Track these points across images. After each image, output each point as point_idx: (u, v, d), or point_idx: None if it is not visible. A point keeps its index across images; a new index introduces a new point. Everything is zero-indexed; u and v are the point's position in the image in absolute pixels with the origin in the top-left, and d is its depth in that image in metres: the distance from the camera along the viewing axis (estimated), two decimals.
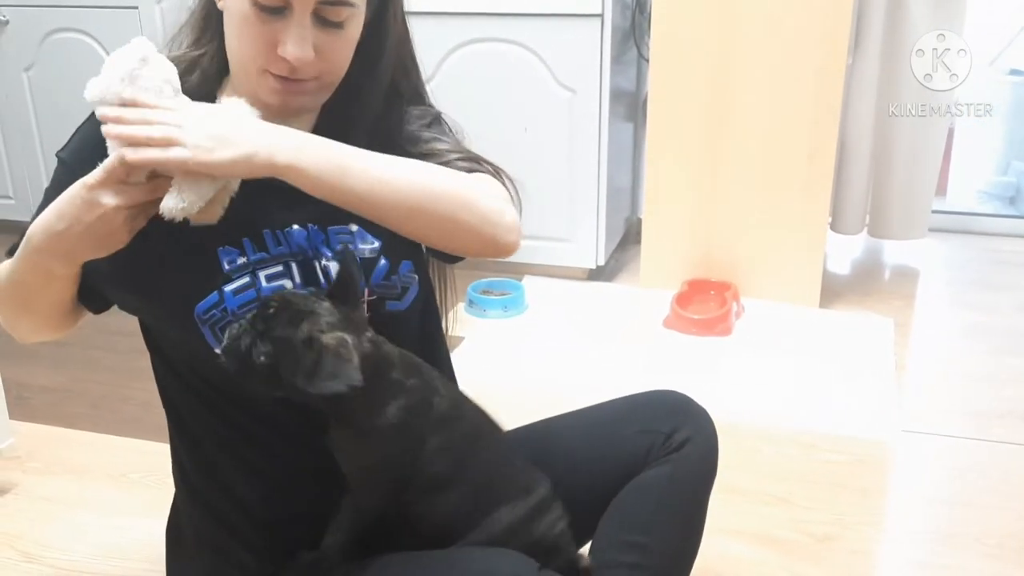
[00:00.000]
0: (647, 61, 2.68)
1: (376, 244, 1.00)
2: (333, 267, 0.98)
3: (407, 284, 1.02)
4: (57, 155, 1.01)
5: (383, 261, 1.00)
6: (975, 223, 3.28)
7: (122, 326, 1.10)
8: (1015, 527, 1.61)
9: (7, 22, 2.96)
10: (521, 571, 0.89)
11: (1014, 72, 3.72)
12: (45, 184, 3.00)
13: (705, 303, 2.47)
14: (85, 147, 0.95)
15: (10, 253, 0.97)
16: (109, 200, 0.83)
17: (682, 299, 2.46)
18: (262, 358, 0.87)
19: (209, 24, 0.99)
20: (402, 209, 0.90)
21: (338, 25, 0.92)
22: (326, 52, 0.93)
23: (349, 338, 0.87)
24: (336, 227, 0.99)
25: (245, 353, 0.88)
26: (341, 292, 0.93)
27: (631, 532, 1.03)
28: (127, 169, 0.83)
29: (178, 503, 1.13)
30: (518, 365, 2.21)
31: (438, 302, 1.15)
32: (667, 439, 1.05)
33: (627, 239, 3.02)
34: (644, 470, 1.04)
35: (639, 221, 2.85)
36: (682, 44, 2.46)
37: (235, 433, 1.02)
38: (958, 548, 1.56)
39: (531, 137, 2.61)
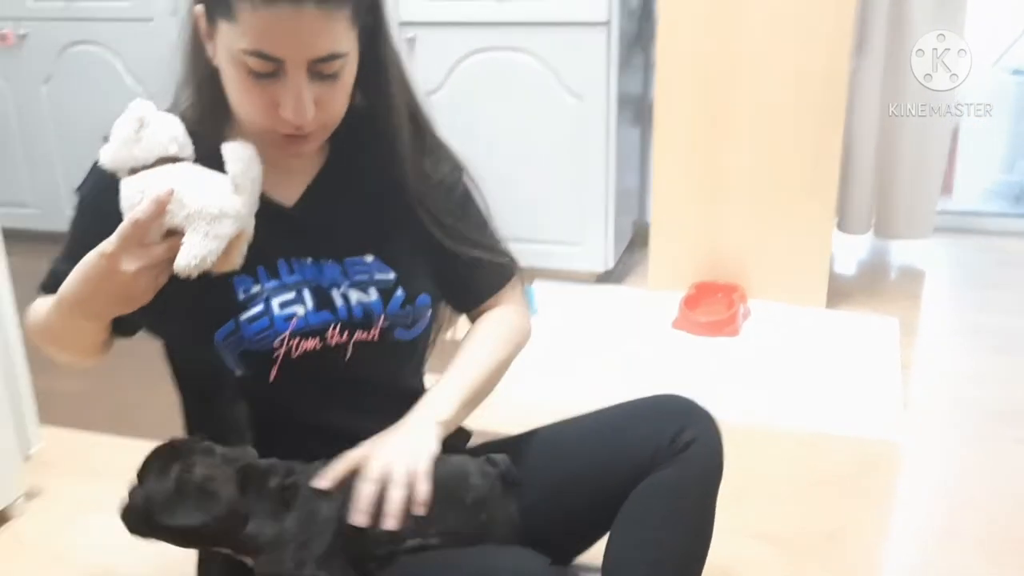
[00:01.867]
0: (653, 66, 2.72)
1: (392, 276, 1.05)
2: (352, 293, 1.02)
3: (419, 316, 1.07)
4: (76, 192, 1.04)
5: (400, 292, 1.05)
6: (981, 222, 3.31)
7: (141, 333, 1.14)
8: (1019, 529, 1.63)
9: (26, 36, 3.03)
10: (530, 566, 0.91)
11: (1017, 72, 3.74)
12: (62, 193, 3.06)
13: (713, 305, 2.51)
14: (100, 191, 0.98)
15: (43, 288, 1.03)
16: (128, 266, 0.88)
17: (690, 301, 2.50)
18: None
19: (206, 77, 0.99)
20: (500, 381, 1.13)
21: (333, 76, 0.94)
22: (325, 103, 0.95)
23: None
24: (352, 258, 1.04)
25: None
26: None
27: (645, 531, 1.05)
28: (141, 230, 0.87)
29: None
30: (529, 368, 2.25)
31: (438, 332, 1.20)
32: (672, 441, 1.07)
33: (635, 242, 3.06)
34: (652, 472, 1.07)
35: (647, 224, 2.89)
36: (687, 49, 2.50)
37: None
38: (961, 549, 1.58)
39: (540, 143, 2.66)
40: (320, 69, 0.92)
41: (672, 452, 1.07)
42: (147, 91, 2.94)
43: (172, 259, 0.89)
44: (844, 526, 1.63)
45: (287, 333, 1.00)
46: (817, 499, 1.71)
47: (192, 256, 0.89)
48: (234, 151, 0.95)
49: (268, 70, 0.91)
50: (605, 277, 2.81)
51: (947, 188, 3.43)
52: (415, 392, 1.10)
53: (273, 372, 1.01)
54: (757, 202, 2.56)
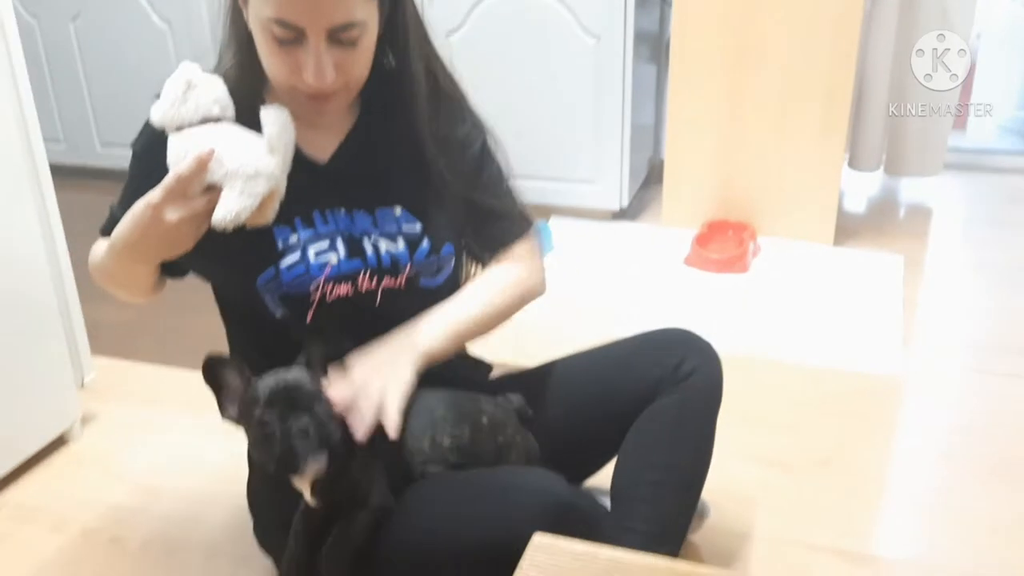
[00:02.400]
0: (669, 4, 2.75)
1: (418, 226, 1.13)
2: (382, 242, 1.11)
3: (444, 264, 1.15)
4: (132, 146, 1.14)
5: (426, 242, 1.13)
6: (993, 160, 3.34)
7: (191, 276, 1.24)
8: (1012, 451, 1.72)
9: None
10: (550, 483, 1.01)
11: None
12: (93, 128, 3.18)
13: (724, 242, 2.60)
14: (153, 144, 1.07)
15: (102, 231, 1.14)
16: (172, 216, 0.98)
17: (702, 239, 2.59)
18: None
19: (244, 40, 1.07)
20: (496, 327, 1.19)
21: (352, 43, 1.01)
22: (345, 67, 1.03)
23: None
24: (383, 209, 1.13)
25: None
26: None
27: (650, 453, 1.17)
28: (183, 184, 0.97)
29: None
30: (546, 301, 2.35)
31: (465, 276, 1.27)
32: (675, 370, 1.18)
33: (650, 179, 3.13)
34: (656, 399, 1.18)
35: (661, 161, 2.96)
36: None
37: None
38: (955, 469, 1.68)
39: (557, 83, 2.71)
40: (339, 36, 1.00)
41: (674, 380, 1.18)
42: (172, 29, 3.01)
43: (211, 211, 0.99)
44: (842, 452, 1.72)
45: (321, 279, 1.09)
46: (817, 426, 1.81)
47: (228, 211, 0.99)
48: (271, 115, 1.04)
49: (290, 37, 0.99)
50: (620, 214, 2.89)
51: (960, 123, 3.46)
52: None
53: (310, 314, 1.10)
54: (769, 140, 2.63)
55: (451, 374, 1.16)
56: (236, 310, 1.21)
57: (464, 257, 1.24)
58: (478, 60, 2.73)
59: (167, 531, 1.56)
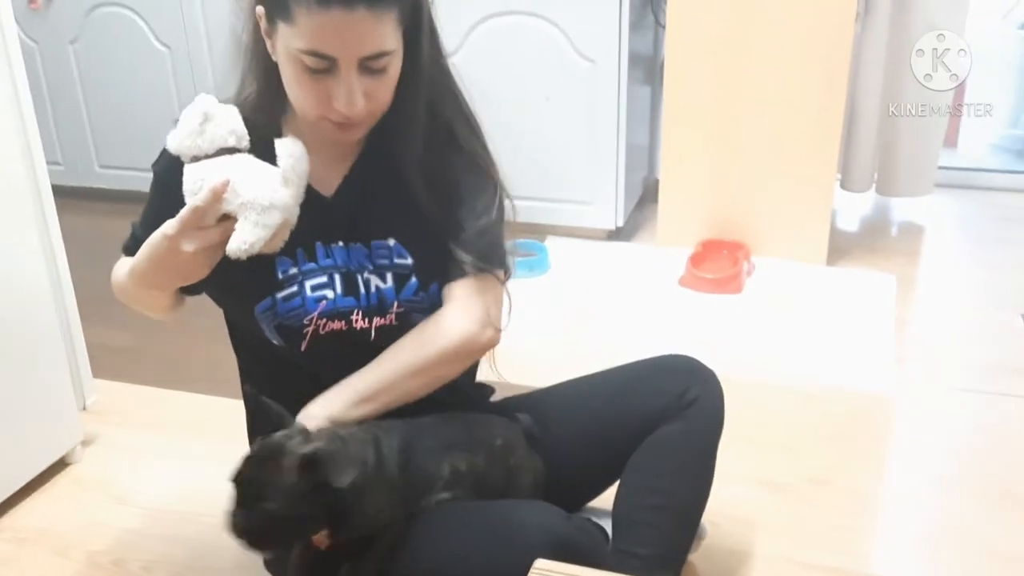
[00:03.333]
0: (663, 28, 2.79)
1: (409, 261, 1.14)
2: (372, 279, 1.13)
3: (434, 302, 1.15)
4: (152, 168, 1.16)
5: (413, 280, 1.14)
6: (982, 179, 3.36)
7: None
8: (1004, 472, 1.74)
9: None
10: (551, 519, 1.03)
11: None
12: (92, 150, 3.20)
13: (718, 262, 2.63)
14: (172, 169, 1.09)
15: (125, 250, 1.17)
16: (188, 247, 1.01)
17: (696, 259, 2.61)
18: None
19: (265, 71, 1.09)
20: (410, 397, 1.13)
21: (381, 71, 1.03)
22: (373, 95, 1.04)
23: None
24: (377, 241, 1.14)
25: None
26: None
27: (653, 479, 1.19)
28: (199, 216, 1.00)
29: None
30: (542, 322, 2.39)
31: None
32: (679, 398, 1.21)
33: (645, 199, 3.16)
34: (659, 425, 1.20)
35: (656, 181, 2.99)
36: (697, 10, 2.57)
37: (291, 398, 1.15)
38: (949, 489, 1.70)
39: (553, 106, 2.74)
40: (369, 65, 1.02)
41: (679, 408, 1.20)
42: (171, 53, 3.04)
43: (225, 240, 1.02)
44: (836, 471, 1.74)
45: (315, 314, 1.11)
46: (811, 446, 1.82)
47: (242, 242, 1.02)
48: (286, 147, 1.07)
49: (322, 67, 1.01)
50: (616, 234, 2.92)
51: (951, 142, 3.49)
52: None
53: (304, 344, 1.12)
54: (763, 161, 2.66)
55: (454, 398, 1.18)
56: (241, 333, 1.23)
57: None
58: (475, 82, 2.76)
59: (170, 554, 1.57)
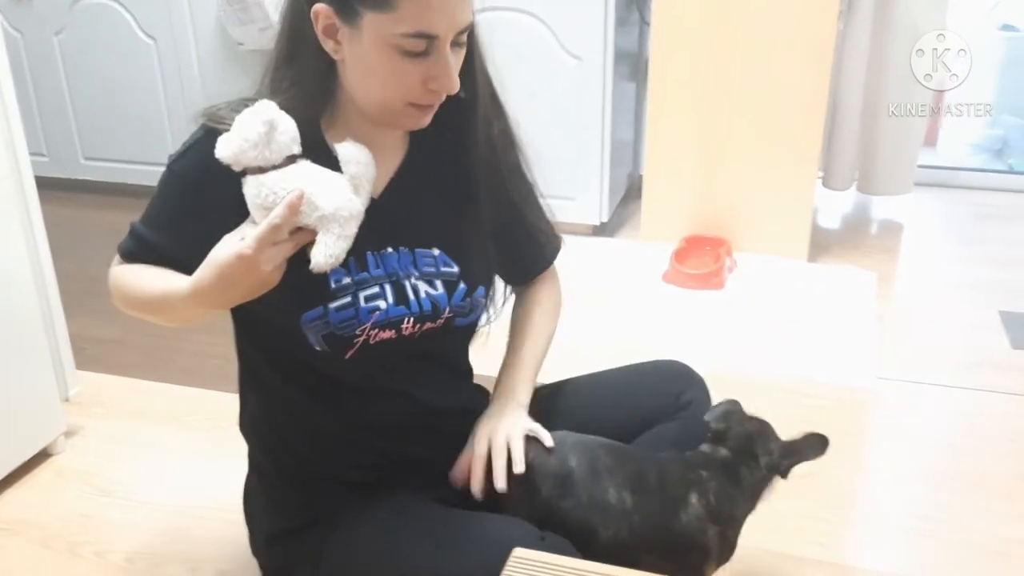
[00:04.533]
0: (648, 25, 2.81)
1: (455, 269, 1.14)
2: (421, 286, 1.11)
3: (476, 306, 1.16)
4: (170, 165, 1.08)
5: (462, 285, 1.14)
6: (961, 178, 3.41)
7: None
8: (982, 464, 1.77)
9: None
10: (524, 536, 1.02)
11: (1006, 27, 3.82)
12: (77, 142, 3.17)
13: (701, 258, 2.65)
14: (204, 170, 1.02)
15: (128, 254, 1.10)
16: (266, 266, 0.95)
17: (679, 255, 2.63)
18: None
19: (320, 71, 1.04)
20: None
21: (463, 44, 1.02)
22: (458, 71, 1.03)
23: None
24: (422, 249, 1.13)
25: None
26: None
27: None
28: (278, 234, 0.95)
29: (251, 454, 1.28)
30: None
31: (489, 318, 1.27)
32: (675, 400, 1.28)
33: (629, 195, 3.18)
34: (656, 424, 1.26)
35: (640, 177, 3.01)
36: (682, 8, 2.59)
37: (304, 397, 1.16)
38: (929, 482, 1.73)
39: (539, 102, 2.75)
40: (459, 39, 1.00)
41: (675, 409, 1.27)
42: (157, 44, 3.03)
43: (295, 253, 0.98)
44: (819, 466, 1.75)
45: (368, 324, 1.08)
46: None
47: (328, 255, 0.99)
48: (351, 152, 1.02)
49: (421, 48, 0.97)
50: (600, 229, 2.94)
51: (931, 141, 3.53)
52: (460, 363, 1.26)
53: (350, 352, 1.09)
54: (745, 158, 2.68)
55: (459, 405, 1.22)
56: (261, 331, 1.17)
57: (493, 291, 1.24)
58: None
59: (152, 545, 1.58)
